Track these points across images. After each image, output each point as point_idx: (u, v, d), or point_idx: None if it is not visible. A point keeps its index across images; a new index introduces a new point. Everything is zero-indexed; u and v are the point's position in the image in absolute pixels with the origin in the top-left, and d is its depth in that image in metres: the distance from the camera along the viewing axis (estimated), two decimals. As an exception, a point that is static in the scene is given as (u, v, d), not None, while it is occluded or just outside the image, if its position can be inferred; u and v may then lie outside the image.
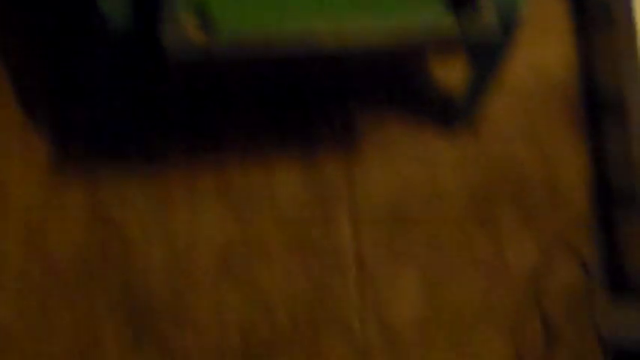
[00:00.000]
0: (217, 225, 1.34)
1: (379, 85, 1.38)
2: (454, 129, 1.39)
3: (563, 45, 1.46)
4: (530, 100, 1.42)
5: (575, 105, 1.43)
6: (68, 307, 1.30)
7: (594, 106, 1.43)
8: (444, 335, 1.35)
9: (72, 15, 1.27)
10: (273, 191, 1.36)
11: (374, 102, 1.38)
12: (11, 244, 1.29)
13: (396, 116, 1.38)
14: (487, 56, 1.27)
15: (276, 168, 1.36)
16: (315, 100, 1.38)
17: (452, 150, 1.37)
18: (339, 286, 1.35)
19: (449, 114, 1.39)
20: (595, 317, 1.37)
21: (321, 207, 1.36)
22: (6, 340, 1.27)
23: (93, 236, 1.31)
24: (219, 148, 1.35)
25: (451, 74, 1.38)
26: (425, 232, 1.37)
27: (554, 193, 1.40)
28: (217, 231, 1.34)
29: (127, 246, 1.32)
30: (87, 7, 1.17)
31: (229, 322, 1.32)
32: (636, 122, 1.36)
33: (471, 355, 1.35)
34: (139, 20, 1.11)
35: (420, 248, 1.37)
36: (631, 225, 1.37)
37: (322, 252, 1.35)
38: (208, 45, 1.06)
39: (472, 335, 1.35)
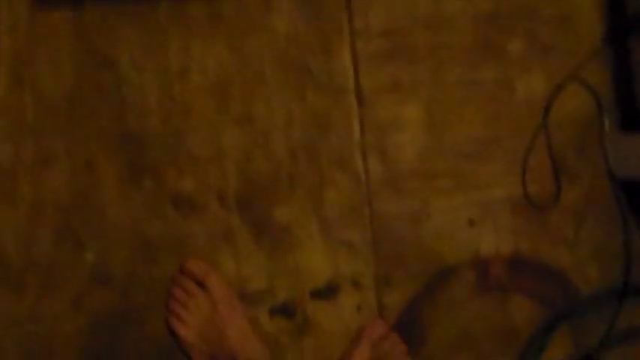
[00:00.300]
0: (212, 57, 1.30)
1: None
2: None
3: None
4: None
5: None
6: (63, 141, 1.29)
7: None
8: (448, 166, 1.32)
9: None
10: (269, 21, 1.31)
11: None
12: (2, 84, 1.28)
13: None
14: None
15: (272, -3, 1.31)
16: None
17: (455, -28, 1.31)
18: (339, 120, 1.32)
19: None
20: (605, 149, 1.32)
21: (320, 38, 1.32)
22: (3, 177, 1.27)
23: (84, 69, 1.29)
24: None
25: None
26: (428, 62, 1.32)
27: (566, 20, 1.34)
28: (212, 63, 1.31)
29: (119, 79, 1.29)
30: None
31: (227, 156, 1.31)
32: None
33: (475, 186, 1.32)
34: None
35: (423, 79, 1.32)
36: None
37: (322, 85, 1.32)
38: None
39: (477, 166, 1.32)
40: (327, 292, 1.30)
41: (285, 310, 1.30)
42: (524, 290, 1.32)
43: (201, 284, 1.27)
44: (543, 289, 1.33)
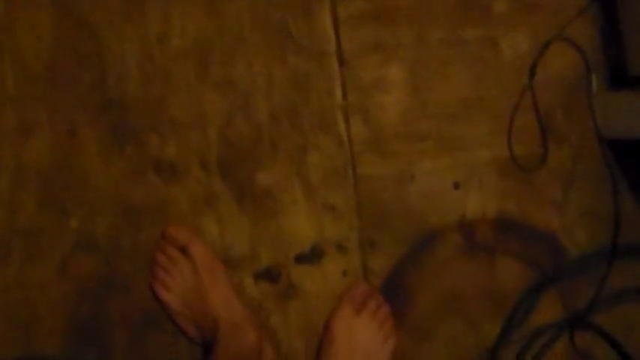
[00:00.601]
0: (191, 21, 1.30)
1: None
2: None
3: None
4: None
5: None
6: (44, 109, 1.29)
7: None
8: (432, 128, 1.30)
9: None
10: (249, -16, 1.30)
11: None
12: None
13: None
14: None
15: (251, -41, 1.29)
16: None
17: None
18: (321, 83, 1.31)
19: None
20: (593, 109, 1.30)
21: (300, 0, 1.30)
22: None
23: (63, 36, 1.28)
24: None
25: None
26: (411, 23, 1.30)
27: (552, -23, 1.31)
28: (192, 27, 1.30)
29: (98, 45, 1.29)
30: None
31: (208, 121, 1.30)
32: None
33: (460, 148, 1.31)
34: None
35: (406, 40, 1.31)
36: (633, 12, 1.27)
37: (303, 48, 1.30)
38: None
39: (462, 128, 1.30)
40: (312, 256, 1.29)
41: (269, 275, 1.29)
42: (511, 252, 1.31)
43: (184, 250, 1.27)
44: (531, 251, 1.31)
